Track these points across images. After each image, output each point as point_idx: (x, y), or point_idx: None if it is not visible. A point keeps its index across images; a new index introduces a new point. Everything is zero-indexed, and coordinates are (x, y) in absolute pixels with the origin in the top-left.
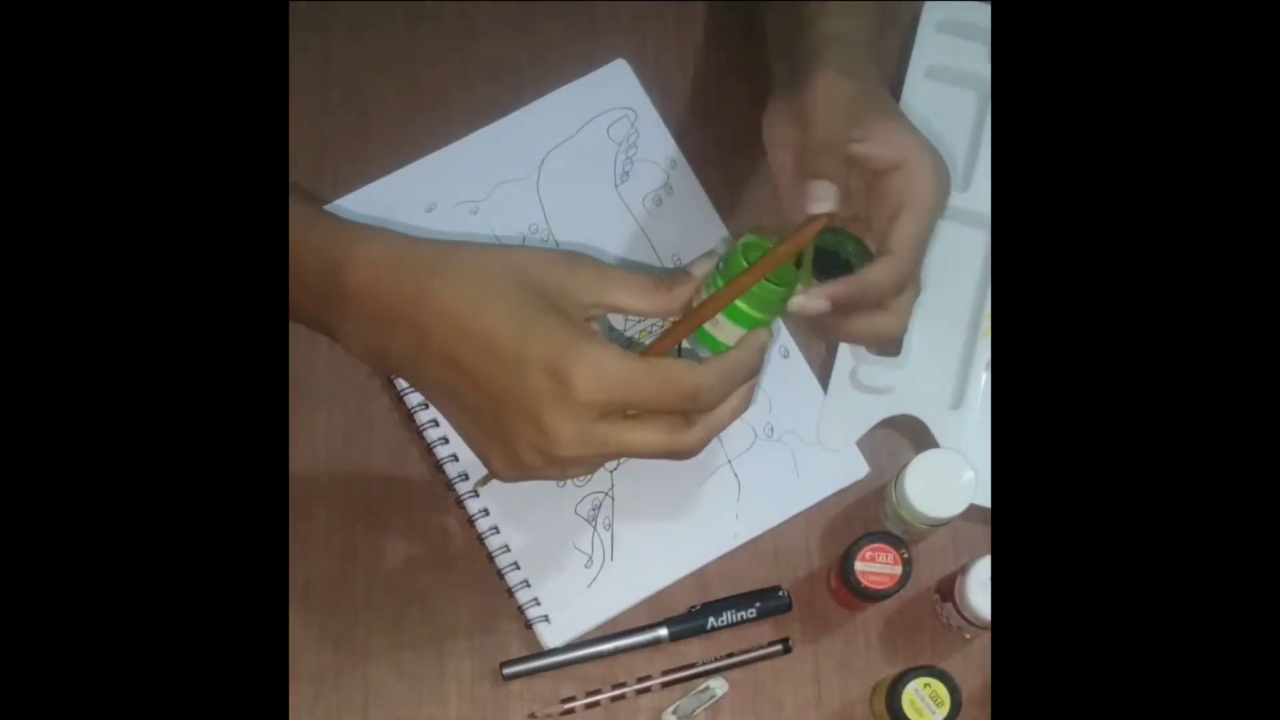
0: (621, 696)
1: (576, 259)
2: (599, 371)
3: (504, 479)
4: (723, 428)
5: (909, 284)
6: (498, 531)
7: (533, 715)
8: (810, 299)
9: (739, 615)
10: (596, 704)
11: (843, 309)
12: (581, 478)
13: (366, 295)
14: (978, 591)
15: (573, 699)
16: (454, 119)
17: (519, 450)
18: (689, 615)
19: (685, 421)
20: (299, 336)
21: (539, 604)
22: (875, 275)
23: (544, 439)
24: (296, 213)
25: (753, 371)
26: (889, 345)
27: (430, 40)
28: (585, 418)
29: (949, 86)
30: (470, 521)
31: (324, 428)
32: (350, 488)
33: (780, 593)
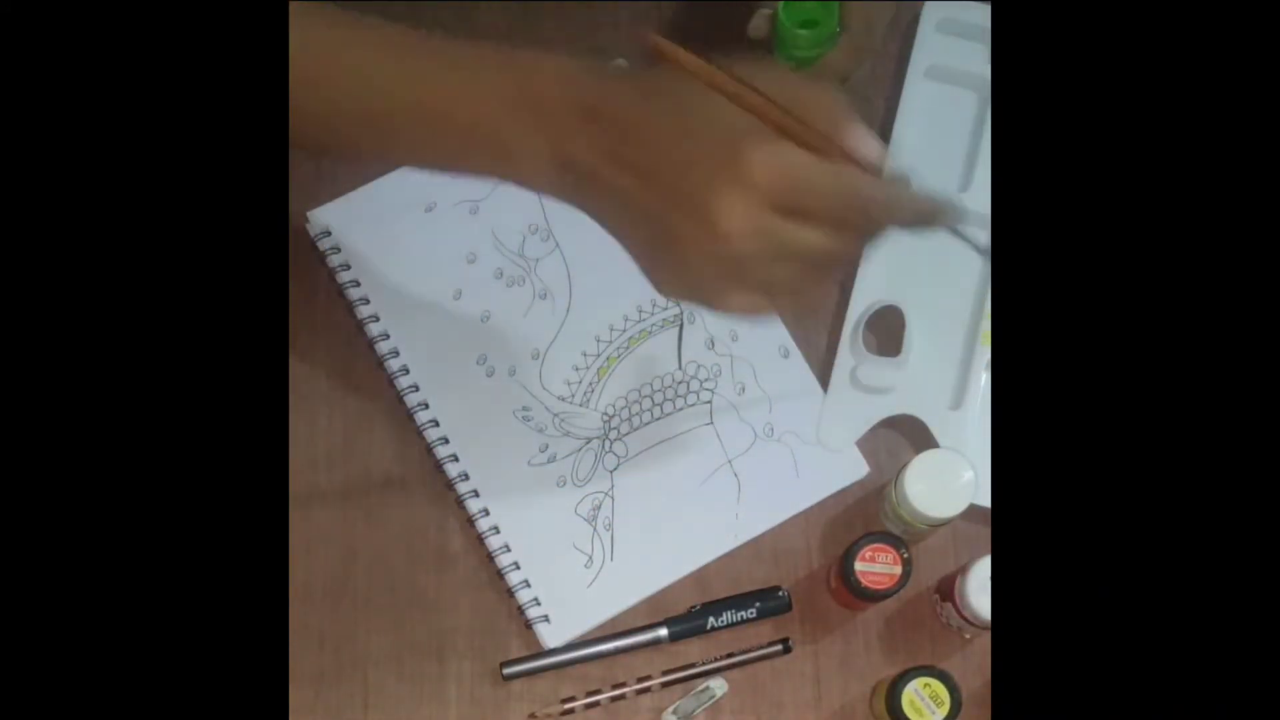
0: (621, 696)
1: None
2: (779, 157)
3: (671, 294)
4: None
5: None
6: (498, 531)
7: (533, 715)
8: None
9: (739, 615)
10: (596, 704)
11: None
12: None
13: (557, 101)
14: (978, 591)
15: (573, 699)
16: None
17: (686, 256)
18: (689, 615)
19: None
20: (299, 336)
21: (539, 604)
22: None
23: (712, 233)
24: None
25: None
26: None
27: None
28: (758, 205)
29: (949, 86)
30: (470, 521)
31: (324, 428)
32: (350, 488)
33: (780, 593)
